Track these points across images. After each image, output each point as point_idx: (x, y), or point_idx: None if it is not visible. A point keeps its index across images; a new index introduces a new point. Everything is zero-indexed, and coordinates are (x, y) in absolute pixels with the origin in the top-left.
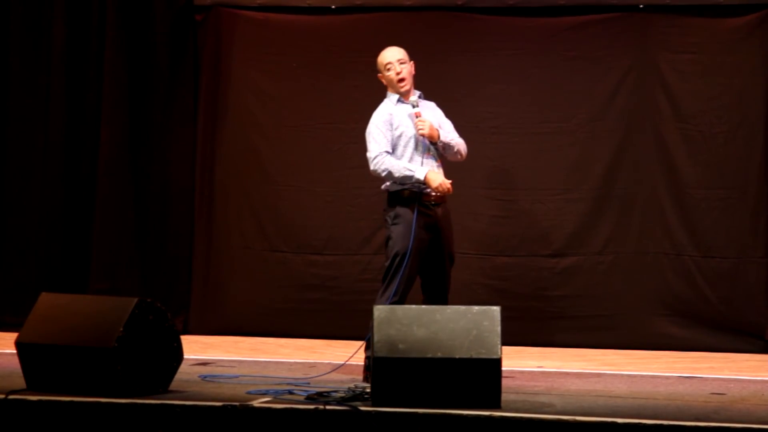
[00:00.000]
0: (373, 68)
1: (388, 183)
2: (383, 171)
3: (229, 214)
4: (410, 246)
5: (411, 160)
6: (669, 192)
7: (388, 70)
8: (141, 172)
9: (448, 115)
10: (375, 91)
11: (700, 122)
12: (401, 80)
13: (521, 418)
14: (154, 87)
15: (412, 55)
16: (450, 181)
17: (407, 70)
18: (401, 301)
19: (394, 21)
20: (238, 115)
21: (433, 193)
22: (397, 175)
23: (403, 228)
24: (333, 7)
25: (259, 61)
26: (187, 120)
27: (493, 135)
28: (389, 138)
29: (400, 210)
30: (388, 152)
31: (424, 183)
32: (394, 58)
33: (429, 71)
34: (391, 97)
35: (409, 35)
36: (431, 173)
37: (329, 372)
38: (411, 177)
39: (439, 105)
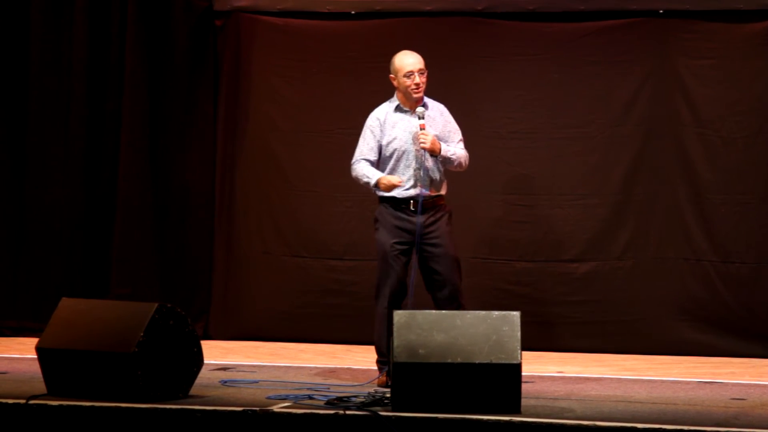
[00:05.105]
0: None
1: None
2: (354, 178)
3: (249, 220)
4: (387, 251)
5: (403, 173)
6: (688, 197)
7: (408, 77)
8: (161, 177)
9: (467, 121)
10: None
11: (720, 128)
12: (418, 91)
13: (541, 423)
14: (174, 92)
15: (431, 60)
16: (398, 180)
17: (424, 80)
18: (391, 302)
19: (413, 26)
20: (258, 120)
21: (411, 200)
22: (361, 182)
23: (380, 233)
24: (353, 12)
25: (279, 66)
26: (207, 125)
27: (513, 140)
28: (373, 145)
29: (379, 215)
30: (366, 159)
31: (378, 188)
32: (415, 67)
33: (448, 76)
34: (392, 102)
35: (429, 40)
36: (383, 178)
37: (373, 380)
38: (369, 184)
39: (457, 110)
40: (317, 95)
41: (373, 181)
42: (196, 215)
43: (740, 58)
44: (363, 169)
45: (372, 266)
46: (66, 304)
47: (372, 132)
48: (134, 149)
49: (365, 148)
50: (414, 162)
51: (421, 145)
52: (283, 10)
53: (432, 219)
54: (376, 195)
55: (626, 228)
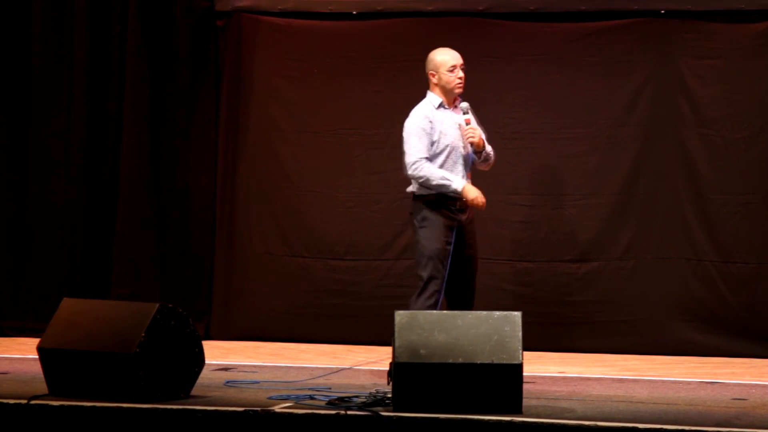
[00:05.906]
0: (393, 73)
1: (414, 187)
2: (421, 177)
3: (251, 220)
4: (439, 248)
5: (452, 170)
6: (690, 197)
7: (451, 71)
8: (163, 177)
9: None
10: (397, 97)
11: (722, 128)
12: (462, 85)
13: (542, 423)
14: (175, 93)
15: None
16: (483, 201)
17: (464, 75)
18: (436, 304)
19: (415, 26)
20: (259, 120)
21: (458, 199)
22: (433, 183)
23: (431, 231)
24: (354, 12)
25: (280, 66)
26: (208, 126)
27: (514, 141)
28: (427, 143)
29: (427, 213)
30: (427, 158)
31: (460, 194)
32: (458, 62)
33: None
34: (432, 100)
35: (430, 40)
36: (469, 186)
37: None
38: (448, 187)
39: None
40: (319, 95)
41: (458, 188)
42: (198, 215)
43: (742, 58)
44: (435, 170)
45: (373, 266)
46: (67, 304)
47: (424, 130)
48: (135, 150)
49: (422, 146)
50: (461, 158)
51: (470, 139)
52: (284, 10)
53: (470, 218)
54: (410, 192)
55: (628, 228)
